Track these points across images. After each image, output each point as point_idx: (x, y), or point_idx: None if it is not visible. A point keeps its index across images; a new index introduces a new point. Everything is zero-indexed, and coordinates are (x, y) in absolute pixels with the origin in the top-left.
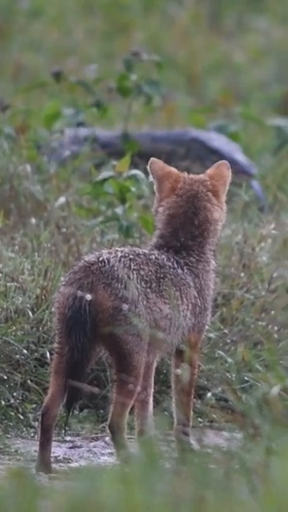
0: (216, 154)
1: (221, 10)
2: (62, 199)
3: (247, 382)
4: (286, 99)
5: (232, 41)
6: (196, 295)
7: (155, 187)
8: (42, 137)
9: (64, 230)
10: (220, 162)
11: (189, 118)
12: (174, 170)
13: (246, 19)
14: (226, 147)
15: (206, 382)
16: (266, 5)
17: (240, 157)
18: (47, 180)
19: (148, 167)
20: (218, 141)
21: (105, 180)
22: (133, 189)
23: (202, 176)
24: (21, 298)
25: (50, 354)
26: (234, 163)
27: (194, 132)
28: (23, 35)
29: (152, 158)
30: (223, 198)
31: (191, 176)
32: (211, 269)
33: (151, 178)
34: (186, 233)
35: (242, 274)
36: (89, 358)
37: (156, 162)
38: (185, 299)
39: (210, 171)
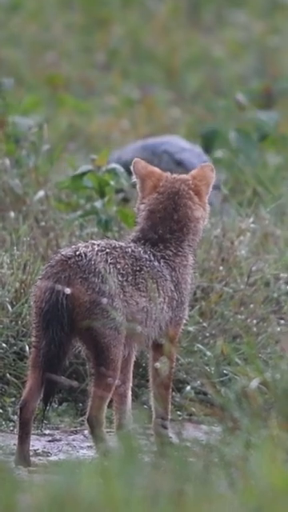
0: (180, 166)
1: (200, 4)
2: (41, 193)
3: (226, 375)
4: (265, 93)
5: (211, 35)
6: (173, 288)
7: (138, 186)
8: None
9: (43, 223)
10: (205, 163)
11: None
12: (156, 169)
13: (225, 13)
14: (194, 160)
15: (185, 376)
16: None
17: None
18: (26, 174)
19: (131, 167)
20: (189, 153)
21: (84, 174)
22: (112, 182)
23: (184, 175)
24: (0, 292)
25: (29, 348)
26: None
27: (168, 143)
28: (2, 29)
29: (135, 158)
30: (206, 198)
31: (174, 175)
32: (189, 264)
33: (134, 177)
34: (164, 226)
35: (221, 268)
36: (66, 352)
37: (139, 162)
38: (161, 292)
39: (193, 172)
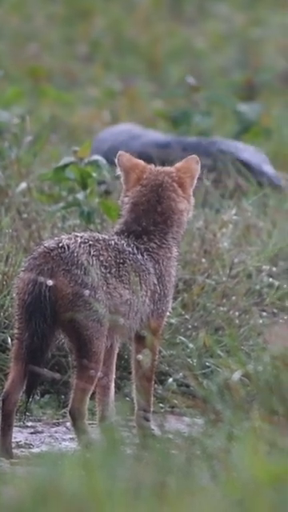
0: (245, 166)
1: None
2: (23, 185)
3: (208, 367)
4: (247, 85)
5: (193, 27)
6: (155, 282)
7: (122, 179)
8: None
9: (25, 215)
10: (190, 156)
11: (152, 107)
12: (140, 161)
13: (207, 5)
14: (255, 159)
15: (167, 368)
16: None
17: (268, 168)
18: (8, 165)
19: (115, 160)
20: (247, 152)
21: (66, 165)
22: (94, 174)
23: (168, 168)
24: None
25: (12, 340)
26: (262, 175)
27: (221, 142)
28: None
29: (120, 151)
30: (190, 190)
31: (157, 168)
32: (173, 256)
33: (118, 170)
34: (148, 219)
35: (203, 260)
36: (48, 344)
37: (123, 155)
38: (144, 285)
39: (178, 164)
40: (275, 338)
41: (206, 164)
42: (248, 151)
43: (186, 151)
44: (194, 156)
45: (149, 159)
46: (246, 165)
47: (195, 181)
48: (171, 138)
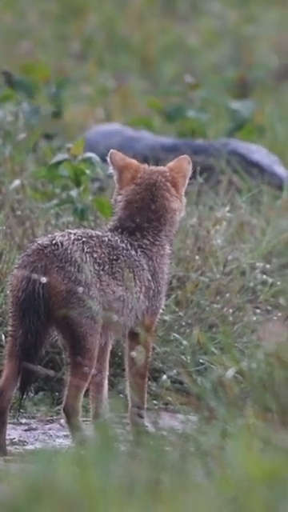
0: (256, 167)
1: None
2: (17, 182)
3: (202, 364)
4: (240, 82)
5: (186, 24)
6: (149, 278)
7: (115, 178)
8: None
9: (19, 212)
10: (181, 156)
11: (146, 101)
12: (134, 161)
13: (200, 2)
14: (266, 160)
15: (161, 365)
16: None
17: (280, 170)
18: (2, 163)
19: (108, 158)
20: (258, 153)
21: (59, 163)
22: (87, 171)
23: (161, 167)
24: None
25: (6, 337)
26: (273, 176)
27: (233, 144)
28: None
29: (112, 150)
30: (182, 190)
31: (151, 167)
32: (166, 253)
33: (111, 169)
34: (142, 216)
35: (197, 257)
36: (42, 341)
37: (116, 154)
38: (138, 281)
39: (170, 164)
40: (269, 335)
41: (218, 166)
42: (259, 152)
43: (197, 154)
44: (185, 156)
45: (154, 163)
46: (258, 166)
47: (187, 181)
48: (179, 141)
